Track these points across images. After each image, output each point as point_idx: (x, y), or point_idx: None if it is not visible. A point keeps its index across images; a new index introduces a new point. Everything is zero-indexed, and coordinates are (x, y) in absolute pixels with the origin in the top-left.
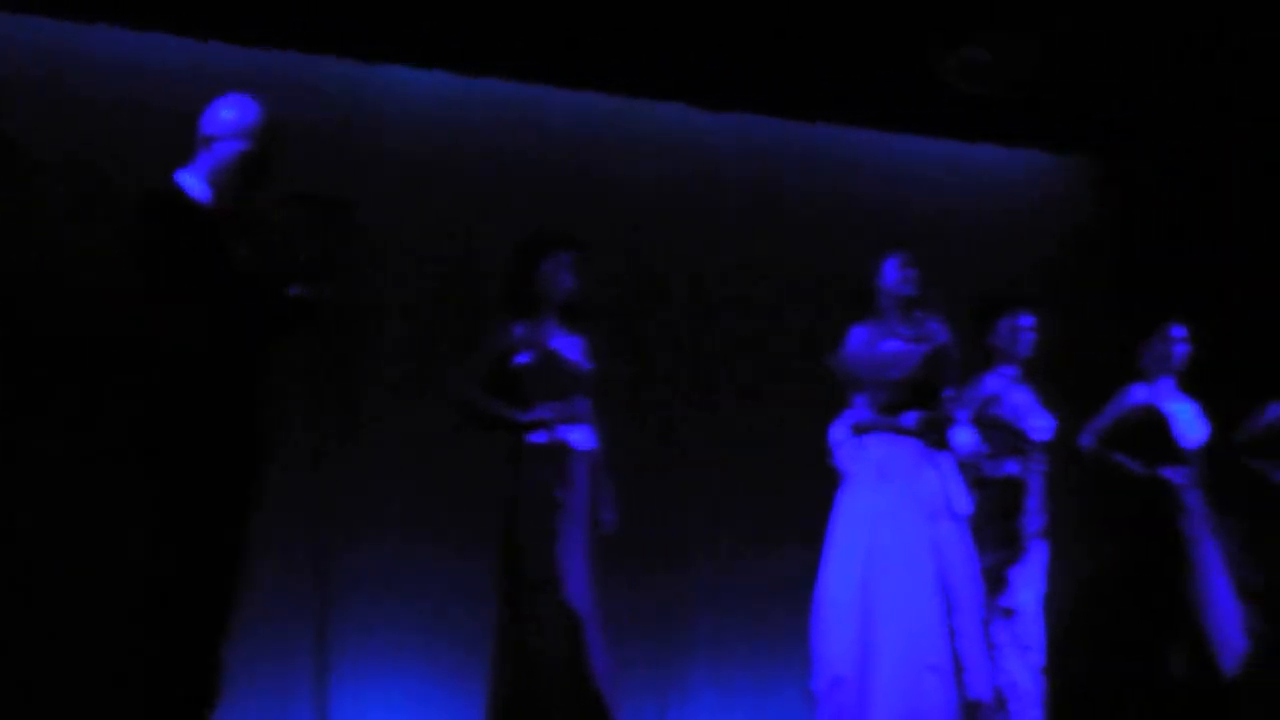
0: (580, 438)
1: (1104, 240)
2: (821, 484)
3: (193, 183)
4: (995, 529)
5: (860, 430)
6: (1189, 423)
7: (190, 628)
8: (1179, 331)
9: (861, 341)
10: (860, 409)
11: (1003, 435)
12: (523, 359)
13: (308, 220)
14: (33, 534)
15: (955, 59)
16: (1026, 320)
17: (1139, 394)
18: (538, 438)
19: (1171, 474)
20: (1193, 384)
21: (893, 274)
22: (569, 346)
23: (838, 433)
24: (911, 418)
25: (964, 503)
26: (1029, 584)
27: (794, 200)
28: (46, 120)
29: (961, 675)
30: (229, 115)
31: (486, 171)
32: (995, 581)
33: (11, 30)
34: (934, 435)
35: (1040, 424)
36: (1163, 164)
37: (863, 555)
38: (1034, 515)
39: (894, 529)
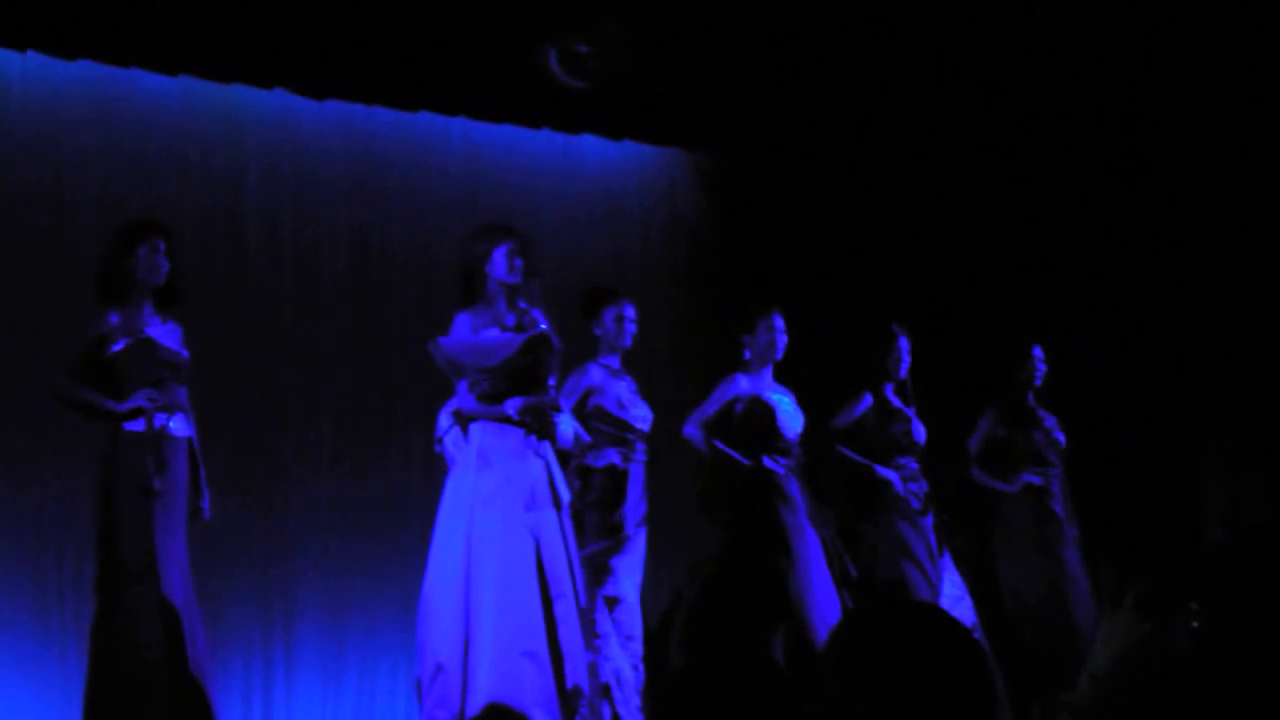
0: (177, 425)
1: (708, 232)
2: (429, 471)
3: None
4: (598, 518)
5: (463, 418)
6: (789, 412)
7: None
8: (780, 322)
9: (465, 328)
10: (464, 396)
11: (605, 425)
12: (118, 346)
13: None
14: None
15: (555, 52)
16: (630, 311)
17: (741, 384)
18: (134, 426)
19: (772, 463)
20: (788, 374)
21: (501, 263)
22: (165, 334)
23: (443, 420)
24: (513, 405)
25: (565, 491)
26: (631, 573)
27: (397, 189)
28: None
29: (560, 663)
30: None
31: (82, 157)
32: (598, 571)
33: None
34: (536, 423)
35: (641, 414)
36: (765, 157)
37: (464, 543)
38: (635, 504)
39: (494, 517)
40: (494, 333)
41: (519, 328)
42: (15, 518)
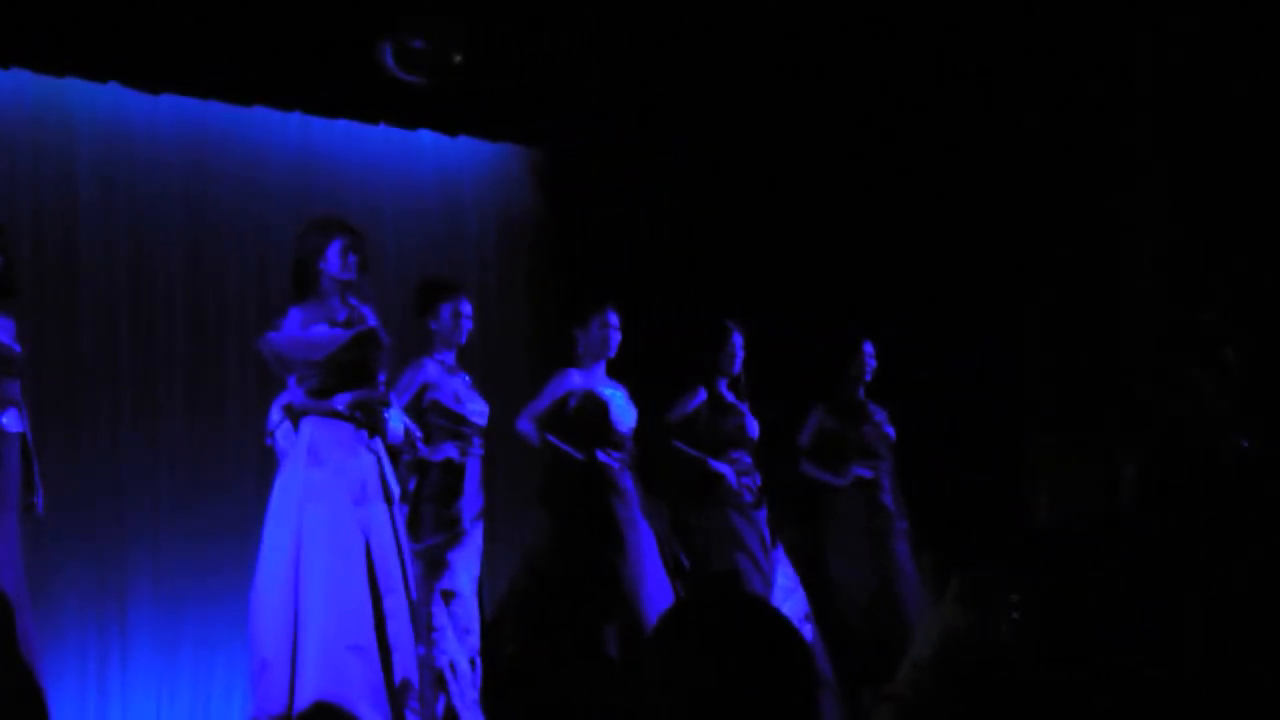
0: (9, 421)
1: (544, 227)
2: (263, 463)
3: None
4: (434, 512)
5: (293, 412)
6: (622, 407)
7: None
8: (614, 318)
9: (296, 323)
10: (293, 391)
11: (441, 420)
12: None
13: None
14: None
15: (389, 45)
16: (466, 307)
17: (574, 379)
18: None
19: (606, 457)
20: (621, 369)
21: (334, 258)
22: None
23: (274, 414)
24: (342, 400)
25: (396, 486)
26: (468, 567)
27: (231, 183)
28: None
29: (389, 658)
30: None
31: None
32: (435, 564)
33: None
34: (366, 418)
35: (476, 408)
36: (599, 154)
37: (293, 538)
38: (472, 498)
39: (323, 512)
40: (322, 328)
41: (348, 323)
42: None
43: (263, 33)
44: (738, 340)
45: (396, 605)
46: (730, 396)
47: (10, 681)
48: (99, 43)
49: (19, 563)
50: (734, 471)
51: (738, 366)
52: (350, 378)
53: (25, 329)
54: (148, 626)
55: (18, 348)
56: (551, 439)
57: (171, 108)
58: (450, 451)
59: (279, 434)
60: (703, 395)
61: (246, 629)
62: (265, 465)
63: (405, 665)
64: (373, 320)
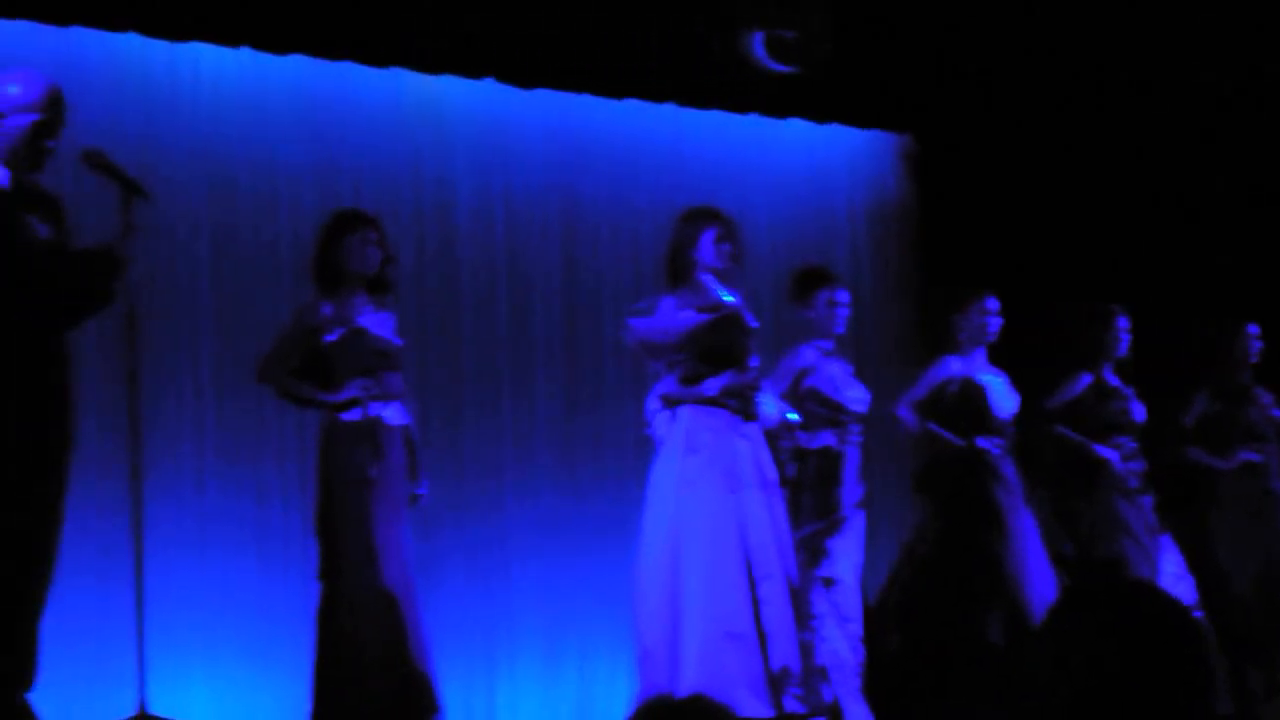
0: (393, 414)
1: (916, 213)
2: (639, 453)
3: None
4: (814, 500)
5: (669, 401)
6: (1002, 393)
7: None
8: (993, 304)
9: (670, 311)
10: (668, 379)
11: (819, 407)
12: (332, 337)
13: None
14: None
15: (759, 36)
16: (843, 295)
17: (953, 366)
18: (350, 416)
19: (986, 444)
20: (999, 355)
21: (707, 247)
22: (378, 323)
23: (651, 404)
24: (712, 386)
25: (773, 471)
26: (848, 554)
27: (602, 176)
28: None
29: (766, 644)
30: (16, 90)
31: (293, 150)
32: (814, 552)
33: None
34: (738, 404)
35: (856, 395)
36: (969, 140)
37: (669, 526)
38: (852, 486)
39: (698, 499)
40: (687, 314)
41: (711, 308)
42: (241, 501)
43: (634, 26)
44: (1123, 323)
45: (772, 591)
46: (1115, 381)
47: (406, 673)
48: (474, 40)
49: (406, 552)
50: (1119, 456)
51: (1123, 350)
52: (718, 362)
53: (406, 323)
54: (531, 618)
55: (399, 342)
56: (931, 426)
57: (544, 102)
58: (828, 439)
59: (656, 423)
60: (1087, 380)
61: (631, 618)
62: (644, 454)
63: (785, 652)
64: (736, 304)
